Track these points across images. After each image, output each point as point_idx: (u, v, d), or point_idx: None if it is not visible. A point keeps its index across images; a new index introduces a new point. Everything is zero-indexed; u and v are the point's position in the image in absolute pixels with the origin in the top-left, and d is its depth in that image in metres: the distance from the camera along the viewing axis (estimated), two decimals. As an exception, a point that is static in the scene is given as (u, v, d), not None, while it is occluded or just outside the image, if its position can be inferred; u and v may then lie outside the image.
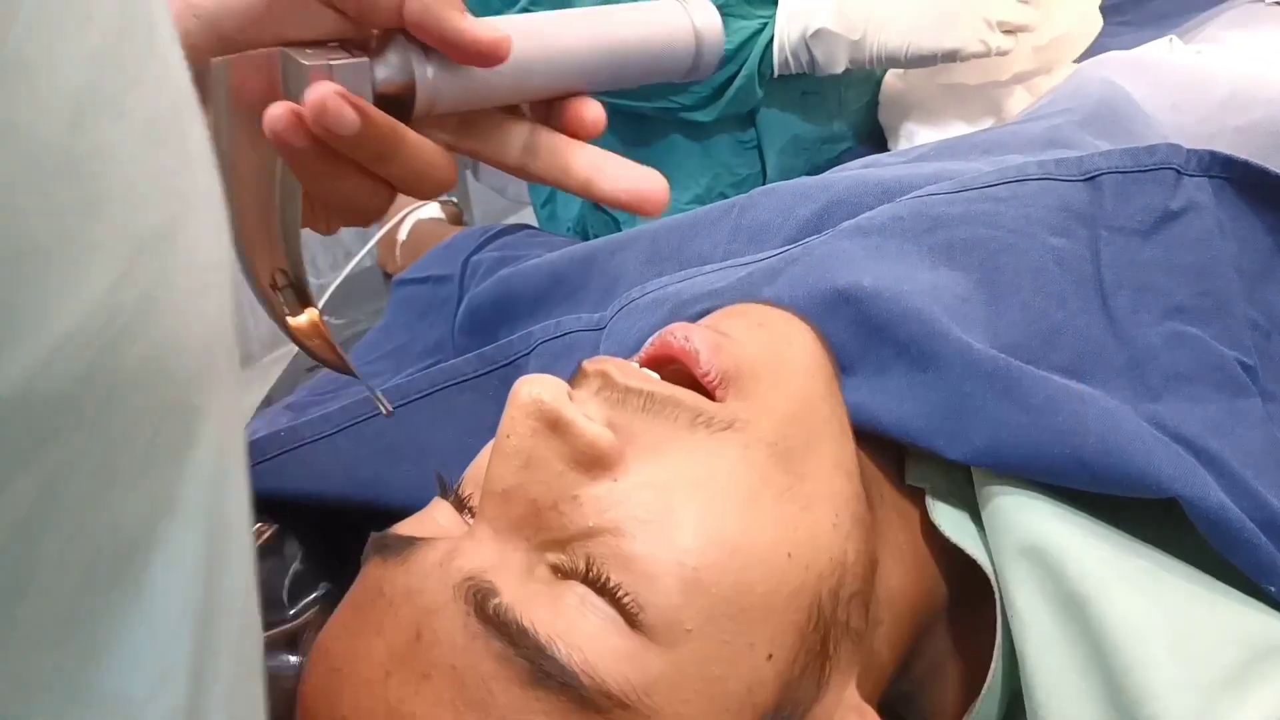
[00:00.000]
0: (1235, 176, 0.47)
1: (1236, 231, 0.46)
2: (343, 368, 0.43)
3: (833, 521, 0.37)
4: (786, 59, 0.87)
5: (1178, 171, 0.47)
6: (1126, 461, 0.39)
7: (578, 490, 0.36)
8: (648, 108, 0.91)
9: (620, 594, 0.34)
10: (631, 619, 0.34)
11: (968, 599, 0.44)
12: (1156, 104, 0.60)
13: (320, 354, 0.43)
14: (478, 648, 0.34)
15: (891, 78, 1.00)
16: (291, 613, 0.55)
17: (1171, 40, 0.80)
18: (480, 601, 0.34)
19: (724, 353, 0.39)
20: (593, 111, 0.42)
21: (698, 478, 0.36)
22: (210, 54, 0.37)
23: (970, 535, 0.43)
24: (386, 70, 0.38)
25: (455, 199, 1.37)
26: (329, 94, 0.35)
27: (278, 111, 0.36)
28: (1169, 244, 0.46)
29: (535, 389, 0.36)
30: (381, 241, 1.20)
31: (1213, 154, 0.47)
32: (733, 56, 0.88)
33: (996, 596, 0.41)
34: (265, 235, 0.39)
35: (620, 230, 1.04)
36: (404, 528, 0.40)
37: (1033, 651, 0.38)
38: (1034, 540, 0.40)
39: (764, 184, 0.71)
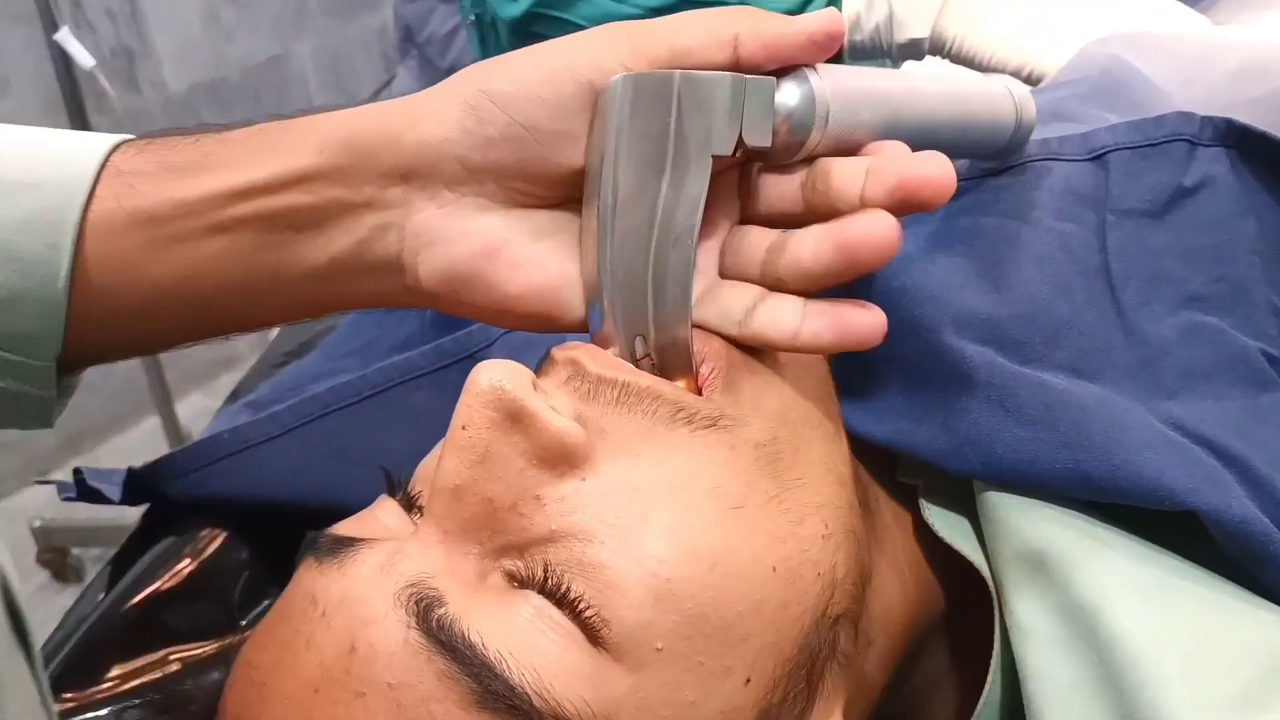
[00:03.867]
0: (1253, 148, 0.43)
1: (1254, 208, 0.43)
2: None
3: (823, 534, 0.34)
4: (859, 13, 0.82)
5: (1190, 142, 0.43)
6: (1135, 474, 0.36)
7: (540, 490, 0.33)
8: None
9: (582, 606, 0.31)
10: (594, 635, 0.31)
11: (964, 608, 0.41)
12: (1168, 79, 0.56)
13: None
14: (418, 664, 0.30)
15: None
16: (243, 624, 0.52)
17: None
18: (424, 611, 0.31)
19: (714, 340, 0.36)
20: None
21: (676, 480, 0.33)
22: (492, 152, 0.36)
23: (966, 537, 0.39)
24: (789, 87, 0.34)
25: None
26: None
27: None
28: (1182, 225, 0.42)
29: (495, 375, 0.33)
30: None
31: (1229, 122, 0.43)
32: (792, 14, 0.83)
33: (995, 605, 0.37)
34: (633, 289, 0.35)
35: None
36: (344, 528, 0.36)
37: (1034, 665, 0.35)
38: (1036, 546, 0.36)
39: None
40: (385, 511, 0.37)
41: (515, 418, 0.33)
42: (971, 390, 0.38)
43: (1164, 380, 0.40)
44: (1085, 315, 0.41)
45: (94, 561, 1.92)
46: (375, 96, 1.92)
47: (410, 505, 0.37)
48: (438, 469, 0.34)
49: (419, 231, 0.37)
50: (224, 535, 0.54)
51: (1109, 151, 0.44)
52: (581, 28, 0.90)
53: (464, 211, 0.36)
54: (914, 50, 0.82)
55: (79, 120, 1.39)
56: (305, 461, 0.52)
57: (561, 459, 0.33)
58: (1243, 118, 0.45)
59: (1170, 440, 0.37)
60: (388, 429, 0.50)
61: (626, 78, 0.33)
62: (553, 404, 0.34)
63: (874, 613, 0.37)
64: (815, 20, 0.34)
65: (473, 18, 1.05)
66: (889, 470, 0.42)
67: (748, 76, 0.33)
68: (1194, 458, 0.36)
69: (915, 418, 0.39)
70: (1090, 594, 0.34)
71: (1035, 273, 0.41)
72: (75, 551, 1.73)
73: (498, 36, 1.01)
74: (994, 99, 0.41)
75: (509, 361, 0.34)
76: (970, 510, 0.40)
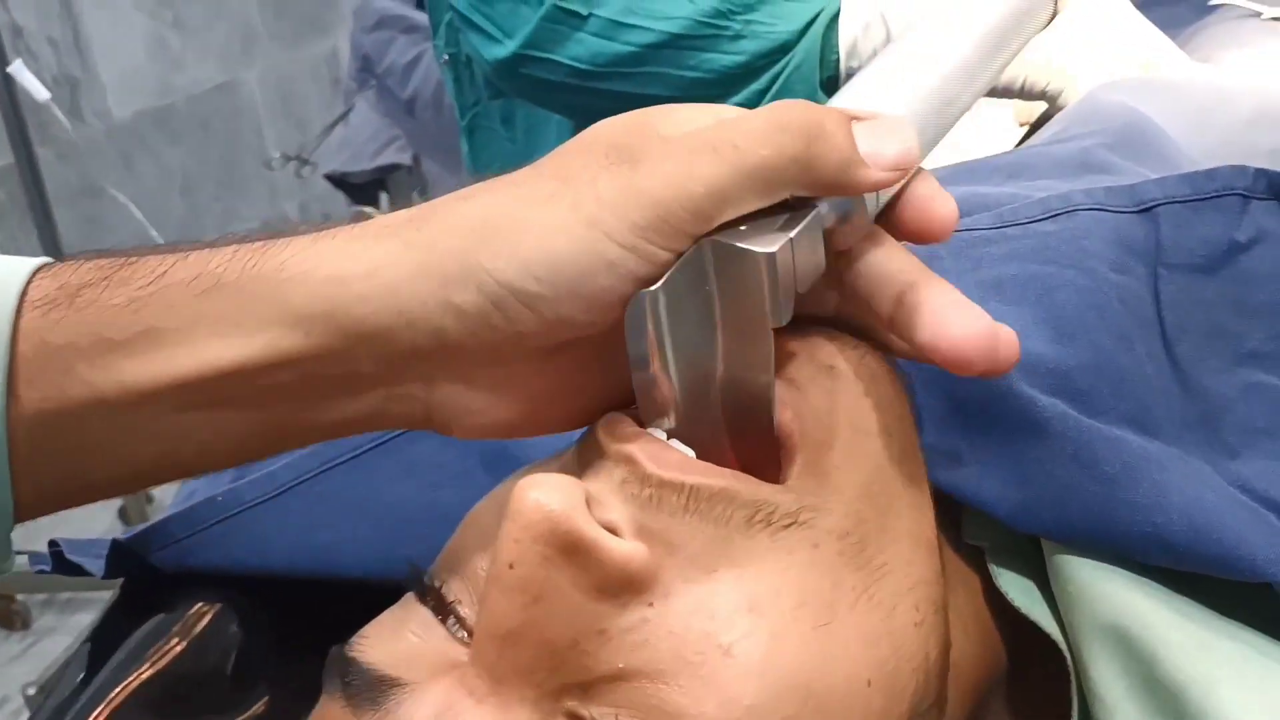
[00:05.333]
0: None
1: None
2: None
3: (915, 621, 0.31)
4: (856, 39, 0.80)
5: (1244, 196, 0.42)
6: (1216, 542, 0.34)
7: (604, 623, 0.29)
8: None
9: None
10: None
11: (1024, 668, 0.39)
12: (1177, 126, 0.56)
13: None
14: None
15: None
16: (238, 708, 0.48)
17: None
18: None
19: (790, 408, 0.31)
20: (944, 207, 0.32)
21: (758, 599, 0.29)
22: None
23: (1038, 604, 0.37)
24: (830, 209, 0.30)
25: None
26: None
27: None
28: (1236, 281, 0.41)
29: (541, 496, 0.28)
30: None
31: None
32: (789, 44, 0.82)
33: (1071, 676, 0.35)
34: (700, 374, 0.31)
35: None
36: (372, 647, 0.32)
37: None
38: (1117, 618, 0.34)
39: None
40: (416, 622, 0.33)
41: (572, 550, 0.28)
42: (1046, 443, 0.36)
43: (1225, 438, 0.39)
44: (1145, 368, 0.39)
45: (40, 607, 1.84)
46: (331, 129, 1.89)
47: (443, 609, 0.33)
48: (484, 611, 0.30)
49: (445, 404, 0.32)
50: (215, 609, 0.50)
51: (1159, 205, 0.42)
52: (571, 68, 0.90)
53: (496, 378, 0.32)
54: None
55: (24, 152, 1.34)
56: (306, 521, 0.49)
57: (626, 588, 0.29)
58: (1265, 165, 0.44)
59: (1244, 505, 0.35)
60: (391, 481, 0.47)
61: (652, 294, 0.29)
62: (610, 516, 0.30)
63: (948, 677, 0.35)
64: (888, 157, 0.30)
65: (447, 56, 1.02)
66: (952, 523, 0.40)
67: (793, 234, 0.29)
68: (1270, 525, 0.35)
69: (982, 468, 0.37)
70: (1178, 669, 0.33)
71: (1098, 321, 0.39)
72: (20, 598, 1.66)
73: (473, 76, 0.99)
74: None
75: (557, 477, 0.29)
76: (1035, 569, 0.38)
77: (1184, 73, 0.70)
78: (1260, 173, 0.42)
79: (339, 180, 1.72)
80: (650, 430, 0.31)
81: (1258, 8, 0.84)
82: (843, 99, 0.35)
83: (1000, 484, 0.37)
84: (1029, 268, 0.41)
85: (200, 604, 0.49)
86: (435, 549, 0.52)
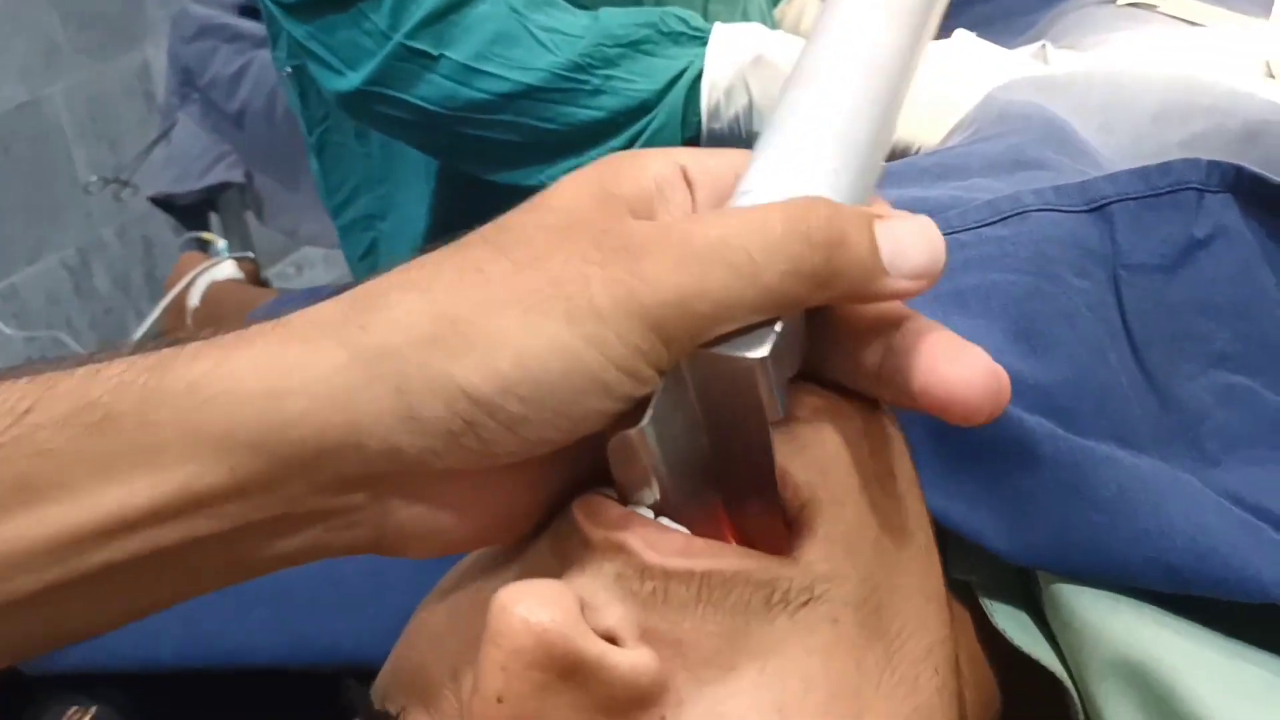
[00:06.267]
0: (1262, 195, 0.41)
1: (1267, 258, 0.41)
2: None
3: (936, 686, 0.28)
4: (719, 102, 0.79)
5: (1199, 190, 0.41)
6: (1222, 565, 0.32)
7: None
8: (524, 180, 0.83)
9: None
10: None
11: (1019, 708, 0.37)
12: (1084, 125, 0.55)
13: None
14: None
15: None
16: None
17: (1044, 46, 0.77)
18: None
19: (794, 468, 0.27)
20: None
21: (786, 699, 0.26)
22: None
23: (1040, 643, 0.35)
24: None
25: (251, 253, 1.23)
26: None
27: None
28: (1197, 280, 0.40)
29: (529, 613, 0.24)
30: (169, 309, 1.04)
31: (1238, 168, 0.41)
32: (650, 103, 0.80)
33: (1079, 716, 0.33)
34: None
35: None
36: None
37: None
38: (1128, 653, 0.32)
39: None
40: None
41: (571, 672, 0.24)
42: (1037, 469, 0.34)
43: (1205, 447, 0.37)
44: (1120, 380, 0.37)
45: None
46: (151, 147, 1.76)
47: None
48: None
49: (399, 527, 0.27)
50: (92, 712, 0.45)
51: (1111, 203, 0.41)
52: (422, 109, 0.85)
53: (457, 494, 0.27)
54: None
55: None
56: (193, 609, 0.43)
57: (635, 705, 0.25)
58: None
59: (1243, 521, 0.34)
60: None
61: (640, 431, 0.25)
62: (608, 622, 0.25)
63: None
64: (912, 264, 0.26)
65: (289, 69, 0.95)
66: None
67: (778, 327, 0.25)
68: (1273, 541, 0.34)
69: (972, 500, 0.35)
70: (1198, 704, 0.31)
71: (1070, 332, 0.37)
72: None
73: (319, 91, 0.92)
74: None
75: (543, 585, 0.25)
76: (1025, 601, 0.36)
77: (1072, 70, 0.70)
78: (1214, 165, 0.41)
79: (164, 202, 1.59)
80: (635, 509, 0.27)
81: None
82: (772, 144, 0.28)
83: (993, 516, 0.34)
84: (989, 276, 0.39)
85: (74, 708, 0.44)
86: (341, 627, 0.46)
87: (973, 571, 0.36)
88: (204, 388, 0.24)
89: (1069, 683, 0.34)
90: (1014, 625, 0.35)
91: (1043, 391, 0.36)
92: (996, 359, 0.33)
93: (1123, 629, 0.33)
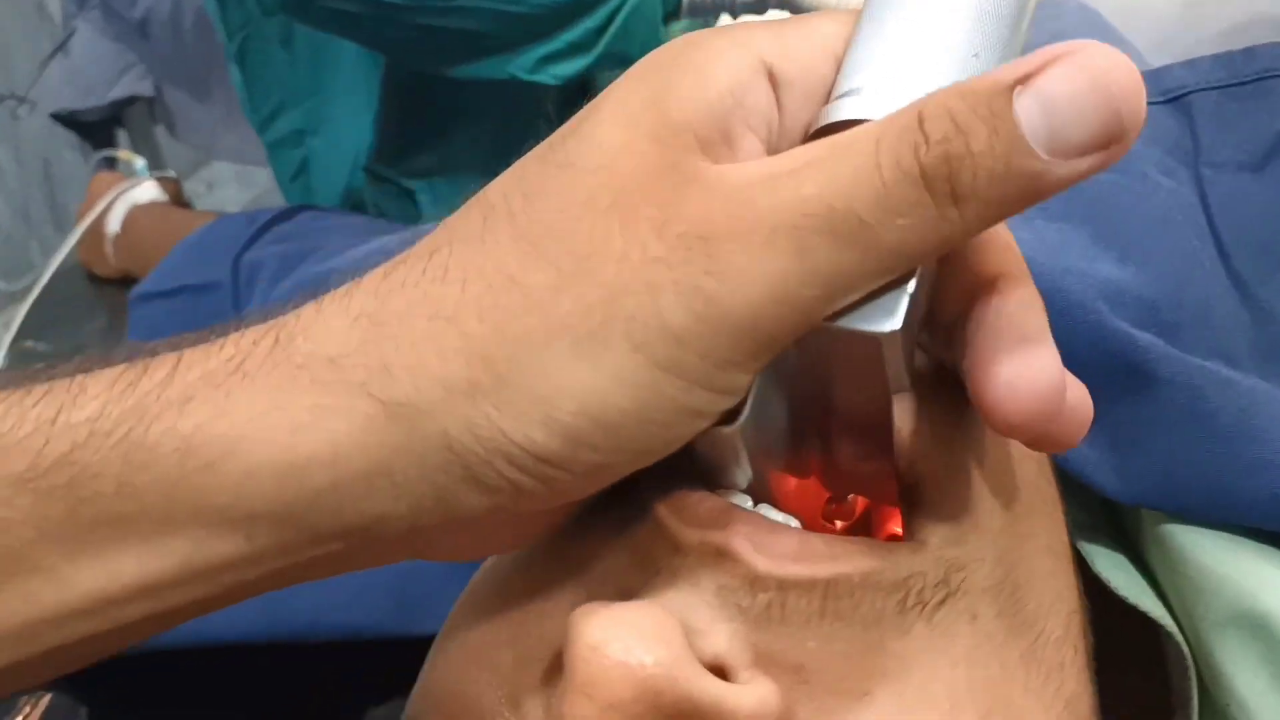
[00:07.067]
0: None
1: None
2: None
3: (1080, 667, 0.25)
4: None
5: None
6: None
7: None
8: (478, 75, 0.75)
9: None
10: None
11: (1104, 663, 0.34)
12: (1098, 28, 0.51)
13: None
14: None
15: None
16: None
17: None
18: None
19: (915, 426, 0.23)
20: None
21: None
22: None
23: (1146, 593, 0.31)
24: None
25: (173, 171, 1.15)
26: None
27: None
28: None
29: (626, 650, 0.19)
30: (85, 238, 0.96)
31: None
32: None
33: (1190, 674, 0.30)
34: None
35: (420, 204, 0.88)
36: None
37: None
38: (1254, 604, 0.29)
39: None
40: None
41: (679, 716, 0.20)
42: (1153, 393, 0.30)
43: None
44: (1215, 288, 0.34)
45: None
46: (49, 60, 1.63)
47: None
48: None
49: (429, 547, 0.23)
50: (46, 700, 0.41)
51: (1190, 93, 0.37)
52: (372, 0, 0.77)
53: (501, 521, 0.22)
54: (757, 6, 0.76)
55: None
56: None
57: None
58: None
59: None
60: None
61: (732, 432, 0.21)
62: (715, 648, 0.21)
63: None
64: (1084, 137, 0.18)
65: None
66: None
67: (910, 287, 0.20)
68: None
69: None
70: None
71: (1165, 236, 0.33)
72: None
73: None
74: None
75: (638, 612, 0.20)
76: (1122, 542, 0.33)
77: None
78: None
79: (68, 119, 1.49)
80: (729, 497, 0.22)
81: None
82: (878, 17, 0.22)
83: (1102, 448, 0.31)
84: None
85: (24, 697, 0.40)
86: (322, 601, 0.42)
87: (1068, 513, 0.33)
88: (201, 450, 0.20)
89: (1179, 636, 0.30)
90: (1118, 574, 0.31)
91: (1147, 304, 0.31)
92: (1090, 266, 0.29)
93: (1246, 576, 0.29)
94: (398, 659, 0.47)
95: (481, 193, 0.22)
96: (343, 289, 0.22)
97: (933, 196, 0.18)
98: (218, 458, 0.20)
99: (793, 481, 0.25)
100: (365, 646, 0.45)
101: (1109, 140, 0.18)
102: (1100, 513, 0.33)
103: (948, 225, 0.19)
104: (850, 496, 0.25)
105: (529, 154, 0.22)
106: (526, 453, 0.19)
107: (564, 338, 0.19)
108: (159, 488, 0.20)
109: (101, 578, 0.20)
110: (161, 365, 0.21)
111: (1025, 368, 0.20)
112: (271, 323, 0.22)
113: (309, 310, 0.21)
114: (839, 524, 0.25)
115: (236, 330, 0.22)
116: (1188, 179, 0.36)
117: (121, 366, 0.21)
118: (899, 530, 0.24)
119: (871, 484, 0.23)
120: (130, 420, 0.20)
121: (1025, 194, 0.19)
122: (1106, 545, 0.32)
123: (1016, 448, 0.25)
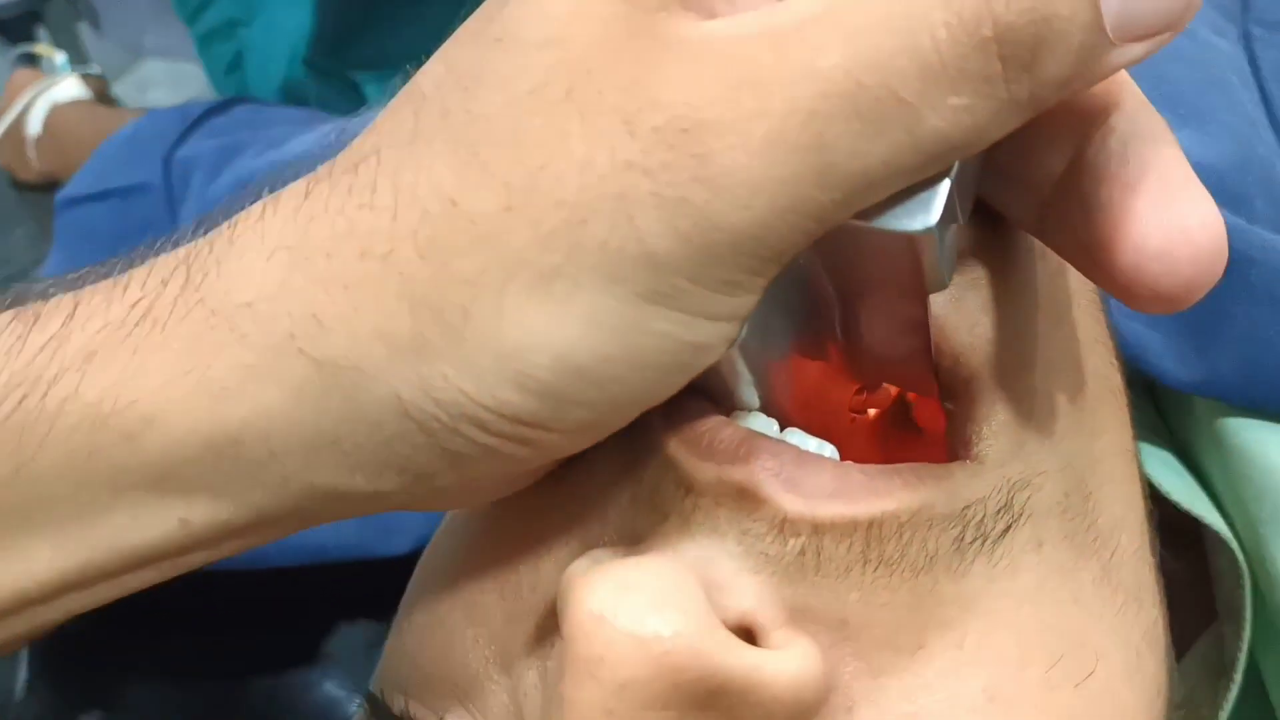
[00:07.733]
0: None
1: None
2: None
3: (1153, 582, 0.22)
4: None
5: None
6: None
7: None
8: None
9: None
10: None
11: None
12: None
13: None
14: None
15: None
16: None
17: None
18: None
19: (955, 318, 0.19)
20: None
21: (996, 679, 0.18)
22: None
23: (1200, 497, 0.29)
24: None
25: (98, 67, 1.08)
26: None
27: None
28: None
29: (637, 619, 0.16)
30: (5, 138, 0.90)
31: None
32: None
33: (1244, 580, 0.28)
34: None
35: (367, 98, 0.83)
36: None
37: None
38: None
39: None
40: None
41: (707, 702, 0.16)
42: (1235, 270, 0.27)
43: None
44: (1274, 155, 0.31)
45: None
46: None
47: None
48: None
49: (413, 501, 0.20)
50: None
51: None
52: None
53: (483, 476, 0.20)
54: None
55: None
56: None
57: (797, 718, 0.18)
58: None
59: None
60: None
61: (736, 349, 0.19)
62: (742, 604, 0.18)
63: None
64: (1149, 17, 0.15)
65: None
66: None
67: (953, 172, 0.16)
68: None
69: (1150, 316, 0.28)
70: None
71: (1224, 103, 0.30)
72: None
73: None
74: None
75: (651, 564, 0.17)
76: (1166, 438, 0.30)
77: None
78: None
79: (-19, 14, 1.40)
80: (745, 420, 0.19)
81: None
82: None
83: (1177, 336, 0.28)
84: None
85: None
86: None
87: None
88: (113, 421, 0.17)
89: (1234, 543, 0.28)
90: (1169, 474, 0.29)
91: (1215, 174, 0.28)
92: None
93: None
94: (366, 579, 0.45)
95: (413, 79, 0.18)
96: (257, 208, 0.18)
97: (1005, 69, 0.14)
98: (136, 429, 0.17)
99: (810, 381, 0.22)
100: (332, 567, 0.43)
101: (1170, 25, 0.15)
102: (1143, 405, 0.31)
103: (1013, 110, 0.15)
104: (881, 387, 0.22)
105: (463, 25, 0.18)
106: (498, 415, 0.16)
107: (521, 276, 0.15)
108: (68, 467, 0.17)
109: (11, 577, 0.18)
110: (55, 314, 0.17)
111: (1184, 217, 0.16)
112: (183, 250, 0.18)
113: (222, 238, 0.18)
114: (871, 412, 0.22)
115: (144, 261, 0.18)
116: (1235, 38, 0.33)
117: (8, 315, 0.18)
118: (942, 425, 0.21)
119: (904, 372, 0.20)
120: (23, 386, 0.17)
121: (1086, 77, 0.15)
122: (1154, 443, 0.30)
123: (1084, 329, 0.22)
